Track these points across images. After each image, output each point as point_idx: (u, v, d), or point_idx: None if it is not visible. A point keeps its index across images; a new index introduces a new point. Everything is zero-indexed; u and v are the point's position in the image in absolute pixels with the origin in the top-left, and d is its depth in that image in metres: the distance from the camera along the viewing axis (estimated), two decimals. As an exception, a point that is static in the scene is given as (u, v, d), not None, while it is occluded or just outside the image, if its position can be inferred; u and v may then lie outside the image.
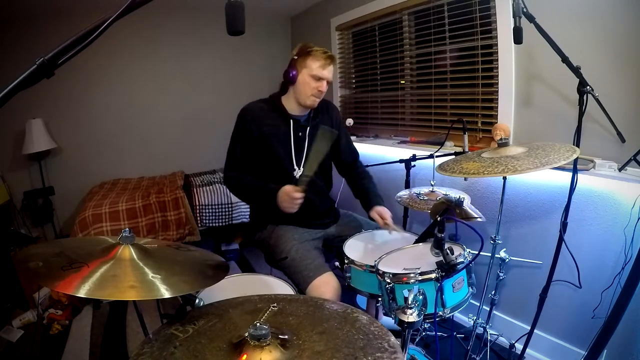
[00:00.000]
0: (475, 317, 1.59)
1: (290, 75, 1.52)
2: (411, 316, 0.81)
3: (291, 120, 1.59)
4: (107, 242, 0.90)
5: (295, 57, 1.52)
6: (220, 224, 2.87)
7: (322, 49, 1.53)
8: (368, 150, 2.80)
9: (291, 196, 1.40)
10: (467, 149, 1.80)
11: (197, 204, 2.81)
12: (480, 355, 1.65)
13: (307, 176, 1.46)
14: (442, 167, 1.31)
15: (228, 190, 2.86)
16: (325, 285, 1.38)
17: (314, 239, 1.61)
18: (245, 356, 0.67)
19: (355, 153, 1.83)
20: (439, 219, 1.07)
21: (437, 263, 1.02)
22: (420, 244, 1.30)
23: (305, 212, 1.60)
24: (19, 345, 2.05)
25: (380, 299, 1.18)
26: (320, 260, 1.48)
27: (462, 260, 1.03)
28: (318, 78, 1.51)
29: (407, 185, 2.04)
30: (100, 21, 0.60)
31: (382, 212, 1.57)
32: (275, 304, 0.87)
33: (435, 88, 2.33)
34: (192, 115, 3.67)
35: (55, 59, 0.58)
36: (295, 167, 1.60)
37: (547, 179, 1.71)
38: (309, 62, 1.50)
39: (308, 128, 1.62)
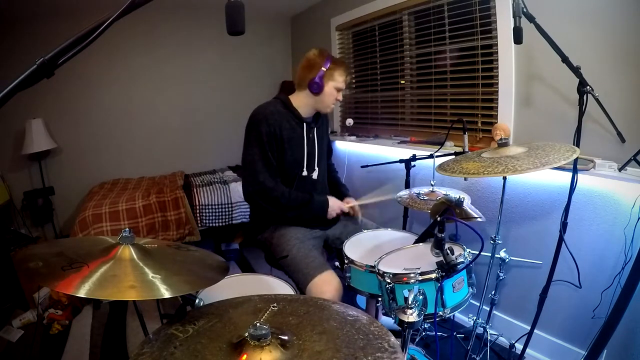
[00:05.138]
0: (475, 317, 1.59)
1: (319, 85, 1.54)
2: (411, 316, 0.81)
3: (304, 124, 1.60)
4: (107, 242, 0.90)
5: (324, 69, 1.53)
6: (220, 224, 2.88)
7: (342, 60, 1.63)
8: (368, 150, 2.80)
9: (342, 209, 1.67)
10: (467, 149, 1.80)
11: (197, 204, 2.81)
12: (480, 355, 1.65)
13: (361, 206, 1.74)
14: (442, 167, 1.31)
15: (229, 191, 2.87)
16: (326, 284, 1.38)
17: (315, 238, 1.62)
18: (245, 356, 0.67)
19: (332, 149, 2.00)
20: (439, 219, 1.06)
21: (437, 263, 1.02)
22: (420, 244, 1.30)
23: None
24: (19, 345, 2.05)
25: (380, 299, 1.18)
26: (321, 259, 1.48)
27: (462, 260, 1.03)
28: (339, 89, 1.59)
29: (407, 185, 2.04)
30: (100, 21, 0.60)
31: (351, 202, 1.75)
32: (275, 304, 0.87)
33: (435, 88, 2.33)
34: (192, 115, 3.67)
35: (55, 59, 0.57)
36: (305, 170, 1.61)
37: (547, 179, 1.71)
38: (337, 76, 1.56)
39: (315, 129, 1.65)
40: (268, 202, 1.53)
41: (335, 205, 1.64)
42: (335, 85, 1.57)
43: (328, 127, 1.85)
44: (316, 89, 1.54)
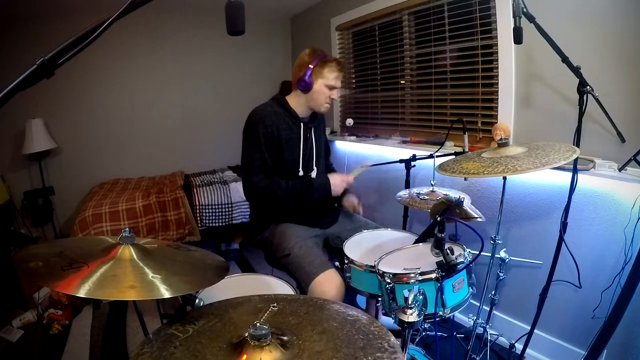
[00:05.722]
0: (475, 317, 1.59)
1: (306, 83, 1.52)
2: (411, 316, 0.81)
3: (301, 124, 1.60)
4: (107, 242, 0.90)
5: (311, 66, 1.51)
6: (220, 224, 2.88)
7: (335, 58, 1.58)
8: (368, 150, 2.80)
9: (346, 181, 1.62)
10: (467, 149, 1.80)
11: (197, 204, 2.81)
12: (480, 355, 1.65)
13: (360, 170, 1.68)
14: (442, 167, 1.31)
15: (229, 191, 2.87)
16: (329, 282, 1.38)
17: (315, 236, 1.62)
18: (245, 356, 0.67)
19: (330, 149, 1.96)
20: (439, 219, 1.06)
21: (437, 263, 1.02)
22: (420, 244, 1.30)
23: (307, 210, 1.63)
24: (19, 345, 2.05)
25: (380, 299, 1.18)
26: (323, 258, 1.48)
27: (462, 260, 1.03)
28: (332, 87, 1.55)
29: (407, 185, 2.04)
30: (100, 21, 0.60)
31: (353, 199, 1.75)
32: (275, 304, 0.87)
33: (435, 88, 2.33)
34: (192, 115, 3.67)
35: (55, 59, 0.57)
36: (301, 169, 1.61)
37: (547, 179, 1.71)
38: (326, 73, 1.53)
39: (312, 129, 1.65)
40: (267, 200, 1.53)
41: (338, 181, 1.60)
42: (325, 82, 1.54)
43: (325, 126, 1.85)
44: (303, 86, 1.53)
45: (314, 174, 1.66)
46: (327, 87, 1.55)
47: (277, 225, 1.62)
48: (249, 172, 1.52)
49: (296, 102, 1.60)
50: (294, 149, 1.58)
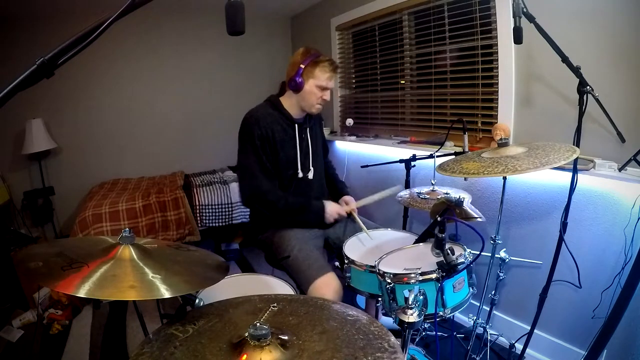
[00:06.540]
0: (475, 317, 1.59)
1: (297, 83, 1.51)
2: (411, 316, 0.81)
3: (296, 125, 1.60)
4: (107, 242, 0.90)
5: (302, 66, 1.50)
6: (220, 224, 2.88)
7: (329, 58, 1.55)
8: (368, 150, 2.80)
9: (339, 213, 1.62)
10: (467, 149, 1.80)
11: (197, 204, 2.81)
12: (480, 355, 1.65)
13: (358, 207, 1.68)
14: (442, 167, 1.31)
15: (229, 191, 2.87)
16: (327, 287, 1.38)
17: (315, 238, 1.62)
18: (245, 356, 0.67)
19: (328, 148, 1.95)
20: (439, 219, 1.06)
21: (437, 263, 1.02)
22: (421, 244, 1.30)
23: None
24: (19, 345, 2.05)
25: (380, 299, 1.18)
26: (322, 261, 1.48)
27: (462, 260, 1.03)
28: (324, 88, 1.54)
29: (407, 185, 2.04)
30: (100, 21, 0.60)
31: (349, 201, 1.72)
32: (275, 304, 0.87)
33: (435, 88, 2.33)
34: (192, 115, 3.67)
35: (55, 59, 0.57)
36: (300, 170, 1.61)
37: (547, 179, 1.71)
38: (317, 73, 1.51)
39: (307, 129, 1.65)
40: (265, 205, 1.54)
41: (332, 210, 1.61)
42: (317, 83, 1.51)
43: (322, 125, 1.85)
44: (293, 86, 1.52)
45: (311, 174, 1.65)
46: (318, 88, 1.53)
47: (277, 225, 1.62)
48: (250, 175, 1.52)
49: (289, 102, 1.60)
50: (289, 150, 1.58)
